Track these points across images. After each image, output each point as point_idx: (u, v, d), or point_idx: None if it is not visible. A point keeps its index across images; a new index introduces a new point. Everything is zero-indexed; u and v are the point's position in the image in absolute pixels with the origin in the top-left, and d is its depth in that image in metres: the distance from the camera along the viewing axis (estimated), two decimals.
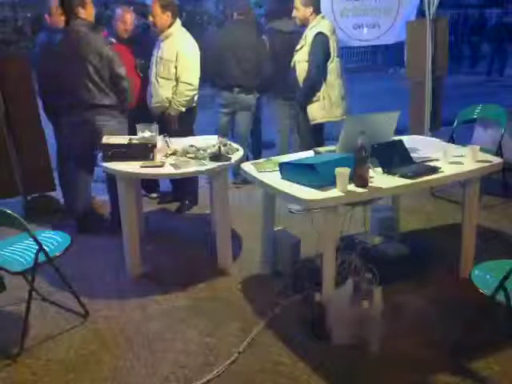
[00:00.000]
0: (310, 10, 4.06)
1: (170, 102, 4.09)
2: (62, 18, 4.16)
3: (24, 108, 4.29)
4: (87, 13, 3.76)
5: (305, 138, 4.29)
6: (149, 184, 4.73)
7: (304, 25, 4.14)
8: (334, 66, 4.09)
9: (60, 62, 3.73)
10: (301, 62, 4.12)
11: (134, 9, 4.48)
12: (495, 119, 4.57)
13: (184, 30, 4.09)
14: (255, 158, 4.69)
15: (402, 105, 4.67)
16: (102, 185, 4.38)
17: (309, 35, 4.06)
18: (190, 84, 4.02)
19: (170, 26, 4.00)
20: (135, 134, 3.48)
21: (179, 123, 4.14)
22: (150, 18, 4.03)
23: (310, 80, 4.09)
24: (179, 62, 3.98)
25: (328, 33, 4.03)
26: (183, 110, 4.09)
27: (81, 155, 3.91)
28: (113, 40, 4.27)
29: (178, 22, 4.06)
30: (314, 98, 4.12)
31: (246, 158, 4.16)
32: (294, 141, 4.77)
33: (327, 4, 5.31)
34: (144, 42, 4.49)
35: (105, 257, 3.72)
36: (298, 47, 4.15)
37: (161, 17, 3.96)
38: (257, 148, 5.38)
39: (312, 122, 4.18)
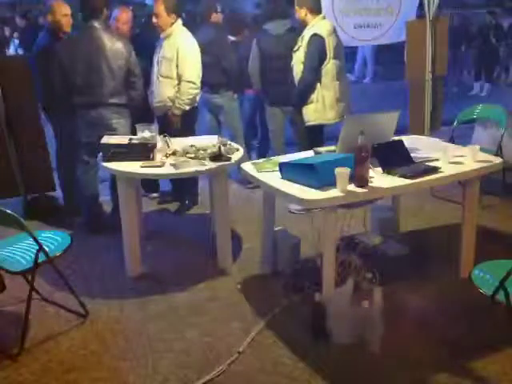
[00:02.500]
0: (304, 10, 4.06)
1: (172, 101, 4.09)
2: (64, 17, 4.17)
3: (24, 108, 4.29)
4: (105, 15, 3.83)
5: (302, 139, 4.28)
6: (149, 184, 4.73)
7: (304, 26, 4.13)
8: (329, 67, 4.07)
9: (80, 60, 3.73)
10: (297, 63, 4.11)
11: (132, 9, 4.48)
12: (495, 119, 4.57)
13: (185, 29, 4.10)
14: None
15: None
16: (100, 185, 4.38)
17: (305, 36, 4.05)
18: (192, 83, 4.02)
19: (171, 25, 4.01)
20: (135, 134, 3.48)
21: (180, 123, 4.14)
22: (154, 19, 4.03)
23: (303, 81, 4.08)
24: (180, 60, 3.98)
25: (324, 34, 4.01)
26: (187, 108, 4.09)
27: (89, 153, 3.92)
28: None
29: (179, 21, 4.06)
30: (308, 100, 4.11)
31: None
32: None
33: (328, 4, 5.31)
34: (141, 42, 4.49)
35: (105, 257, 3.72)
36: (295, 48, 4.14)
37: (165, 18, 3.96)
38: (263, 149, 5.37)
39: (306, 124, 4.18)
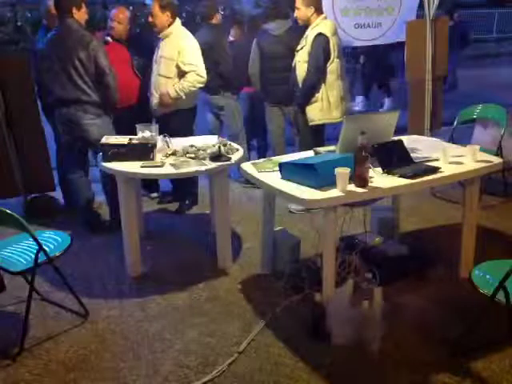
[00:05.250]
0: (312, 10, 4.04)
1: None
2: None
3: (24, 108, 4.29)
4: (80, 14, 3.80)
5: (305, 139, 4.28)
6: (149, 184, 4.73)
7: (306, 25, 4.12)
8: (333, 66, 4.08)
9: (51, 58, 3.74)
10: (301, 62, 4.11)
11: (132, 9, 4.49)
12: (495, 119, 4.57)
13: (184, 29, 4.10)
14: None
15: None
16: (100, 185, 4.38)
17: (309, 36, 4.05)
18: (201, 76, 4.01)
19: (169, 25, 4.01)
20: (135, 133, 3.48)
21: (179, 123, 4.14)
22: (150, 18, 4.04)
23: (308, 81, 4.07)
24: (185, 57, 3.97)
25: (329, 33, 4.01)
26: (182, 96, 4.02)
27: (71, 153, 3.96)
28: (109, 39, 4.27)
29: (178, 21, 4.07)
30: (313, 99, 4.11)
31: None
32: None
33: (328, 3, 5.31)
34: (141, 42, 4.49)
35: (105, 257, 3.72)
36: (298, 47, 4.14)
37: (160, 17, 3.97)
38: (262, 149, 5.38)
39: (310, 123, 4.18)
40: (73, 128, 3.81)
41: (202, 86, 4.08)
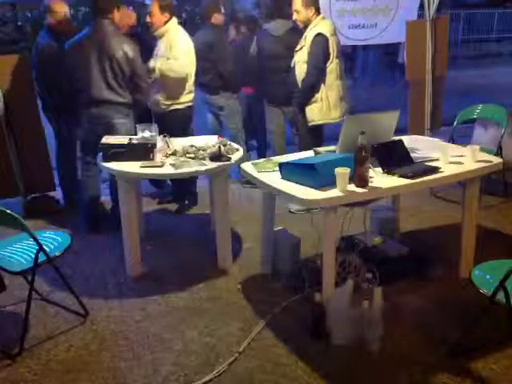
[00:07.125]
0: (313, 10, 4.05)
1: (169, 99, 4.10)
2: (61, 15, 4.17)
3: (24, 108, 4.29)
4: (118, 17, 3.79)
5: (304, 139, 4.28)
6: (156, 181, 4.75)
7: (307, 26, 4.12)
8: (333, 67, 4.08)
9: (84, 59, 3.70)
10: (300, 62, 4.11)
11: (133, 8, 4.48)
12: (495, 119, 4.57)
13: (180, 27, 4.11)
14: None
15: None
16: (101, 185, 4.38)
17: (308, 36, 4.05)
18: (173, 71, 3.99)
19: (165, 23, 4.02)
20: (135, 133, 3.48)
21: (176, 122, 4.14)
22: (148, 18, 4.04)
23: (308, 81, 4.07)
24: (172, 53, 3.98)
25: (328, 33, 4.01)
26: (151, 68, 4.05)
27: (89, 152, 3.91)
28: None
29: (174, 19, 4.07)
30: (313, 100, 4.11)
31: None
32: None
33: (325, 4, 5.31)
34: (140, 42, 4.48)
35: (105, 256, 3.72)
36: (297, 48, 4.14)
37: (159, 17, 3.98)
38: (262, 149, 5.38)
39: (310, 124, 4.18)
40: (99, 126, 3.75)
41: (174, 75, 4.03)
